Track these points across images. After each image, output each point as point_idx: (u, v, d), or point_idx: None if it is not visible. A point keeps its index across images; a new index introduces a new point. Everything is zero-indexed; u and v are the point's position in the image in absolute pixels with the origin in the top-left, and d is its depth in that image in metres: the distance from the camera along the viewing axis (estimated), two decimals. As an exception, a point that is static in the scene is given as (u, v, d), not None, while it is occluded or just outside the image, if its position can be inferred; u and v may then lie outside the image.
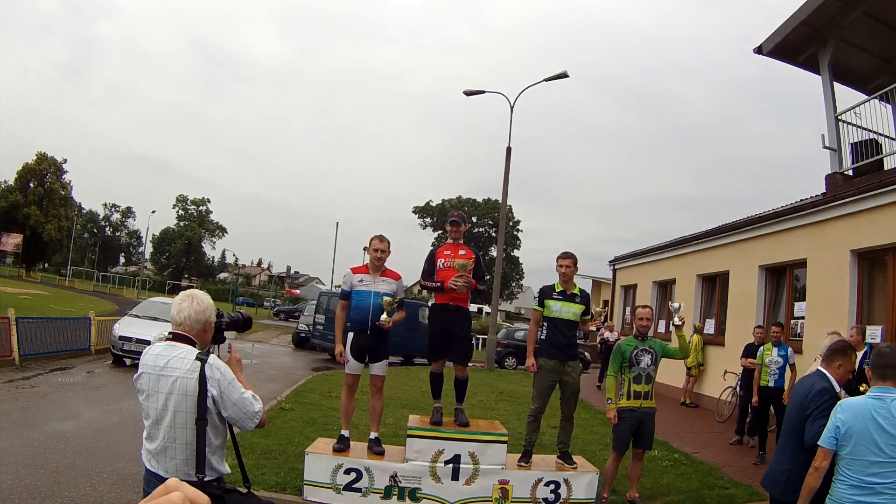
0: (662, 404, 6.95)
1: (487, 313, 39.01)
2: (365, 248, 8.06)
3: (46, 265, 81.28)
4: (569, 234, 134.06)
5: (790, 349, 9.00)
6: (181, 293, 3.03)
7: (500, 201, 23.79)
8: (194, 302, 2.92)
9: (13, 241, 66.76)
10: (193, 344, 2.91)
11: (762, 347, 9.12)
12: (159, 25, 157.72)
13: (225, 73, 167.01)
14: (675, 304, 6.41)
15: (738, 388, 11.45)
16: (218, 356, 3.03)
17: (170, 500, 0.77)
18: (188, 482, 2.76)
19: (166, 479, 2.77)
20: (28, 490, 5.56)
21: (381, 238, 6.02)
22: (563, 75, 20.95)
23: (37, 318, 14.47)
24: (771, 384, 8.81)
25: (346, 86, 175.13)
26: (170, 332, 2.95)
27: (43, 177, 69.57)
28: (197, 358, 2.81)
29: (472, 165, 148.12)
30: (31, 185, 68.78)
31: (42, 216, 67.14)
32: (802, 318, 10.98)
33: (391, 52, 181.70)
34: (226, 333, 3.20)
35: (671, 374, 14.22)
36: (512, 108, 22.19)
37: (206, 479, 2.75)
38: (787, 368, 8.86)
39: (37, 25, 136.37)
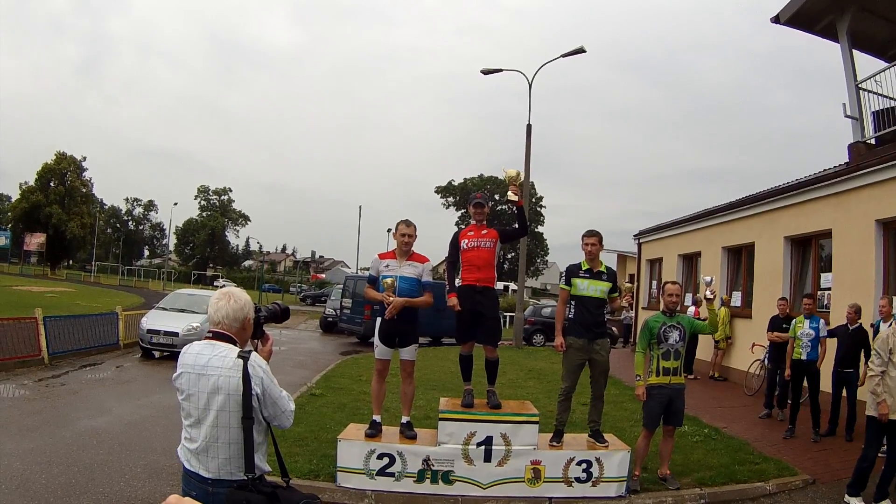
0: (691, 378, 6.89)
1: (514, 291, 38.99)
2: (389, 230, 8.06)
3: (71, 262, 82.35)
4: (592, 209, 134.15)
5: (822, 321, 8.81)
6: (217, 292, 2.98)
7: (524, 179, 23.67)
8: (231, 300, 2.87)
9: (37, 240, 67.82)
10: (234, 342, 2.86)
11: (794, 320, 8.95)
12: (172, 18, 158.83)
13: (240, 63, 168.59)
14: (708, 278, 6.34)
15: (765, 362, 11.36)
16: (256, 350, 2.99)
17: None
18: (235, 481, 2.75)
19: (207, 478, 2.77)
20: (62, 488, 5.62)
21: (407, 223, 5.97)
22: (580, 50, 20.64)
23: (64, 316, 14.63)
24: (804, 357, 8.64)
25: (363, 70, 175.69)
26: (209, 331, 2.90)
27: (63, 175, 70.35)
28: (239, 356, 2.76)
29: (492, 144, 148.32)
30: (52, 184, 69.64)
31: (64, 214, 67.97)
32: (829, 289, 10.83)
33: (406, 33, 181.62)
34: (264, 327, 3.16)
35: (700, 347, 14.19)
36: (530, 86, 22.01)
37: (254, 477, 2.72)
38: (820, 341, 8.68)
39: (48, 25, 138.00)
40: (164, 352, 13.85)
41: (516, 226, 6.48)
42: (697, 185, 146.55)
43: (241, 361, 2.73)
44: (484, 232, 6.14)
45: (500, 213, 62.35)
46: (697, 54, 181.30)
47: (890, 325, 7.47)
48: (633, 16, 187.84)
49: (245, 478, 2.71)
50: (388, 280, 5.75)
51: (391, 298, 5.72)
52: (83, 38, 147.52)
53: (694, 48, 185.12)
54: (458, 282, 6.13)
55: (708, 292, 6.20)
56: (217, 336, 2.85)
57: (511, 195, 6.03)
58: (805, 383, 8.84)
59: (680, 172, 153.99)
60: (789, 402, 8.98)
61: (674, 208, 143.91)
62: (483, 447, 5.87)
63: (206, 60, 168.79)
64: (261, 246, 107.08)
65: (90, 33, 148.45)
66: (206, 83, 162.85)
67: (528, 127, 21.90)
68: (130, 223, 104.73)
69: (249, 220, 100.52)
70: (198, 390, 2.76)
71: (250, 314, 2.92)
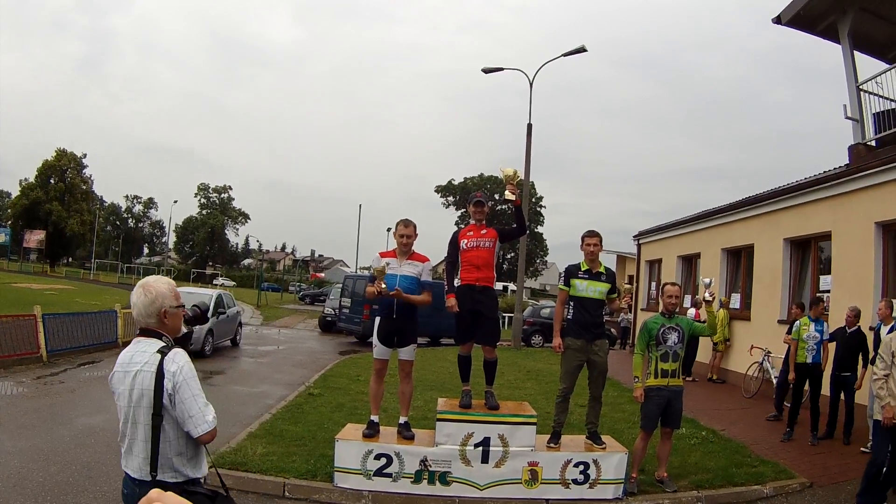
0: (689, 381, 6.87)
1: (513, 291, 39.04)
2: (389, 229, 8.06)
3: (70, 259, 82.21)
4: (591, 207, 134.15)
5: (826, 324, 8.80)
6: (137, 284, 2.83)
7: (523, 178, 23.65)
8: (144, 295, 2.74)
9: (36, 237, 67.65)
10: (160, 336, 2.77)
11: (799, 322, 8.89)
12: (173, 16, 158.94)
13: (242, 61, 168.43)
14: (707, 280, 6.31)
15: (764, 364, 11.39)
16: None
17: None
18: (148, 481, 2.61)
19: (133, 478, 2.64)
20: (59, 486, 5.61)
21: (406, 223, 5.99)
22: (582, 49, 20.61)
23: (63, 314, 14.60)
24: (808, 360, 8.60)
25: (364, 67, 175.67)
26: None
27: (63, 172, 70.27)
28: (158, 351, 2.69)
29: (493, 142, 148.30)
30: (52, 181, 69.50)
31: (64, 211, 67.86)
32: (828, 291, 10.81)
33: (407, 31, 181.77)
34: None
35: (699, 350, 14.15)
36: (531, 85, 21.99)
37: (158, 478, 2.65)
38: (823, 344, 8.65)
39: (50, 22, 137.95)
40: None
41: (515, 225, 6.48)
42: (697, 183, 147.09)
43: (158, 356, 2.67)
44: (483, 231, 6.14)
45: (500, 212, 62.48)
46: (698, 52, 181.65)
47: (891, 329, 7.45)
48: (634, 13, 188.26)
49: (180, 480, 2.66)
50: (380, 266, 5.77)
51: (383, 286, 5.74)
52: (84, 35, 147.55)
53: (695, 46, 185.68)
54: (457, 282, 6.14)
55: (707, 294, 6.18)
56: (142, 332, 2.79)
57: (508, 194, 6.02)
58: (806, 386, 8.82)
59: (680, 170, 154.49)
60: (787, 405, 8.94)
61: (673, 206, 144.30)
62: (480, 448, 5.87)
63: (208, 58, 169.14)
64: (260, 244, 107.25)
65: (91, 30, 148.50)
66: (208, 81, 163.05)
67: (529, 126, 21.87)
68: (130, 221, 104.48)
69: (249, 219, 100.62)
70: (123, 388, 2.72)
71: (166, 304, 2.77)
